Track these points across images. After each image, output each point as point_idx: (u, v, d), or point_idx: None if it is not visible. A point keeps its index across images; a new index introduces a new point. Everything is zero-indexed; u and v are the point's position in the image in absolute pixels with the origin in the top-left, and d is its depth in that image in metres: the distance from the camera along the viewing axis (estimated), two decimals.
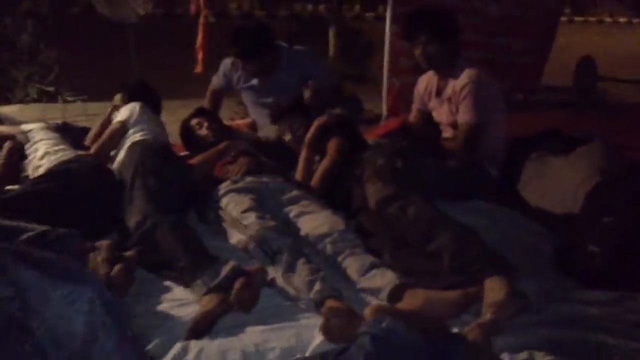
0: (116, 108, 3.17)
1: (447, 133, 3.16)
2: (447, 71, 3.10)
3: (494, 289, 1.92)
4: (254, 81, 3.72)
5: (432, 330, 1.79)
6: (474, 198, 2.73)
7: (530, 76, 5.19)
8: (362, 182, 2.59)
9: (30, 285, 0.86)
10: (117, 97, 3.22)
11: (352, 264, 2.20)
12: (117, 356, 0.93)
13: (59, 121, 3.28)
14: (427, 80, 3.29)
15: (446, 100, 3.10)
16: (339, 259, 2.25)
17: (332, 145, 2.89)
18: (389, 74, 4.48)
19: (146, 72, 4.25)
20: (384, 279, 2.09)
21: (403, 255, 2.27)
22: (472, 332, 1.79)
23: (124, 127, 2.91)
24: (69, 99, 4.75)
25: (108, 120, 3.16)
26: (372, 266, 2.17)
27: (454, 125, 3.08)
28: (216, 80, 3.88)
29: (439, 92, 3.18)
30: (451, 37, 3.08)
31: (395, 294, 2.02)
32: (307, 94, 3.51)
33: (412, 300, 1.98)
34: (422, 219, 2.27)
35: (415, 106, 3.39)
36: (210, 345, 1.80)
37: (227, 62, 3.81)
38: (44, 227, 1.96)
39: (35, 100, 4.85)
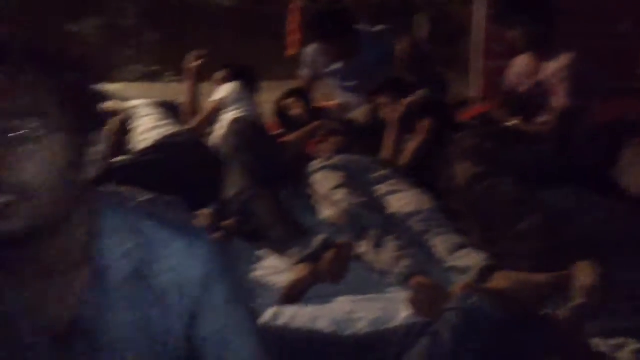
0: (217, 84, 3.32)
1: (540, 117, 3.10)
2: (543, 54, 3.03)
3: (584, 273, 1.90)
4: (337, 65, 3.75)
5: (520, 312, 1.80)
6: (567, 183, 2.67)
7: (632, 61, 4.96)
8: (451, 163, 2.60)
9: (154, 235, 0.94)
10: (218, 75, 3.36)
11: (440, 243, 2.23)
12: (228, 308, 1.00)
13: (163, 99, 3.46)
14: (521, 63, 3.23)
15: (541, 84, 3.04)
16: (427, 237, 2.28)
17: (423, 125, 2.91)
18: (479, 57, 4.41)
19: (242, 53, 4.38)
20: (473, 258, 2.10)
21: (492, 236, 2.27)
22: (562, 315, 1.78)
23: (221, 105, 3.04)
24: (169, 78, 4.98)
25: (192, 98, 3.31)
26: (461, 246, 2.18)
27: (548, 109, 3.02)
28: (303, 72, 3.94)
29: (533, 75, 3.12)
30: (548, 19, 3.01)
31: (484, 275, 2.02)
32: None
33: (501, 281, 1.98)
34: (512, 199, 2.26)
35: (507, 89, 3.34)
36: (302, 312, 1.89)
37: (307, 51, 3.86)
38: (151, 195, 2.10)
39: (138, 80, 5.13)
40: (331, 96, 3.92)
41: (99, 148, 0.87)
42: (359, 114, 3.52)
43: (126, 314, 0.92)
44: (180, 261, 0.94)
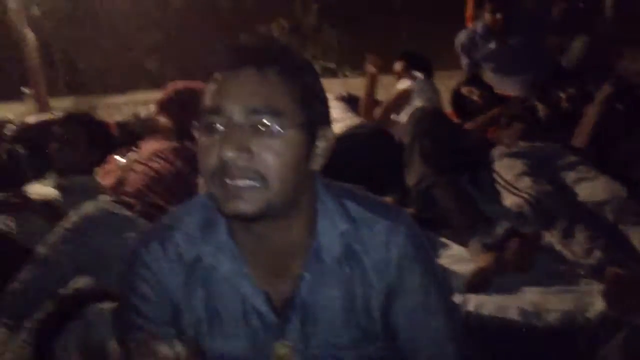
0: (398, 75, 3.40)
1: None
2: None
3: None
4: (492, 44, 3.61)
5: None
6: None
7: None
8: None
9: (360, 217, 1.01)
10: (397, 65, 3.44)
11: (636, 233, 2.09)
12: (423, 289, 1.03)
13: (345, 93, 3.60)
14: None
15: None
16: (621, 227, 2.14)
17: (598, 96, 2.70)
18: None
19: (416, 45, 4.39)
20: None
21: None
22: None
23: (407, 94, 3.09)
24: (347, 74, 5.13)
25: (370, 94, 3.41)
26: None
27: None
28: (463, 64, 3.86)
29: None
30: None
31: None
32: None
33: None
34: None
35: None
36: (488, 300, 1.89)
37: (460, 38, 3.78)
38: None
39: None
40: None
41: (327, 142, 0.96)
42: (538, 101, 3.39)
43: (335, 290, 1.01)
44: (381, 241, 1.01)
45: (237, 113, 0.88)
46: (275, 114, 0.88)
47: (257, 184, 0.88)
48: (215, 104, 0.89)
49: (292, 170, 0.90)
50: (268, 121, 0.88)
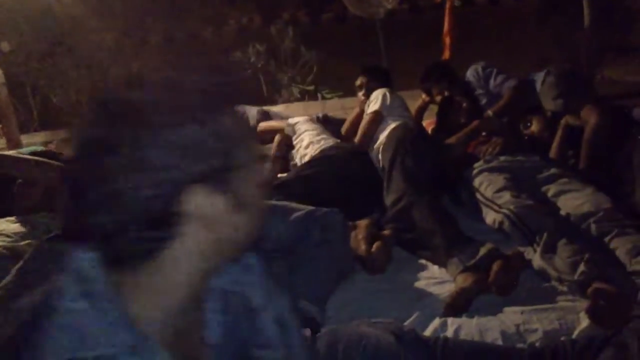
0: (358, 88, 3.35)
1: None
2: None
3: None
4: None
5: None
6: None
7: None
8: (632, 165, 2.35)
9: None
10: (359, 80, 3.39)
11: (622, 245, 2.02)
12: None
13: (320, 114, 3.54)
14: None
15: None
16: (606, 239, 2.07)
17: (589, 114, 2.65)
18: None
19: (395, 65, 4.36)
20: None
21: None
22: None
23: (380, 115, 3.02)
24: (327, 96, 5.11)
25: (360, 110, 3.35)
26: None
27: None
28: None
29: None
30: None
31: None
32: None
33: None
34: None
35: None
36: (468, 323, 1.81)
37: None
38: (311, 207, 2.14)
39: (298, 100, 5.34)
40: None
41: None
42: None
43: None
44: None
45: None
46: None
47: None
48: None
49: None
50: None
